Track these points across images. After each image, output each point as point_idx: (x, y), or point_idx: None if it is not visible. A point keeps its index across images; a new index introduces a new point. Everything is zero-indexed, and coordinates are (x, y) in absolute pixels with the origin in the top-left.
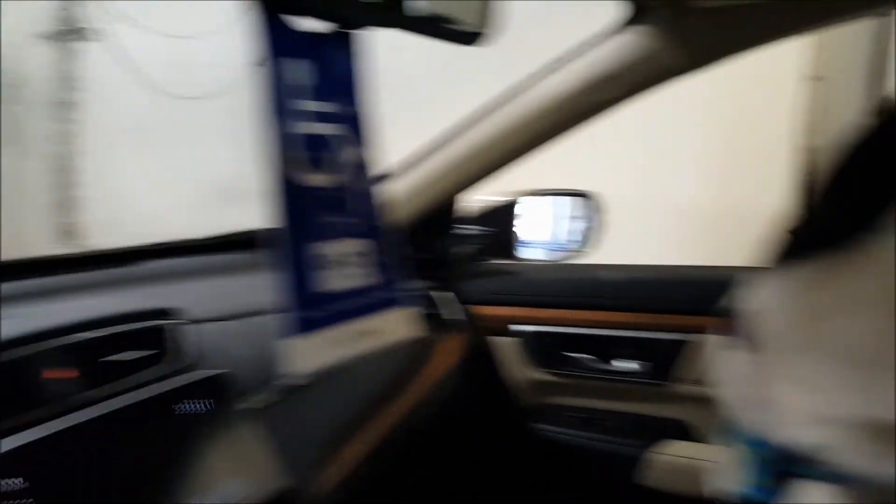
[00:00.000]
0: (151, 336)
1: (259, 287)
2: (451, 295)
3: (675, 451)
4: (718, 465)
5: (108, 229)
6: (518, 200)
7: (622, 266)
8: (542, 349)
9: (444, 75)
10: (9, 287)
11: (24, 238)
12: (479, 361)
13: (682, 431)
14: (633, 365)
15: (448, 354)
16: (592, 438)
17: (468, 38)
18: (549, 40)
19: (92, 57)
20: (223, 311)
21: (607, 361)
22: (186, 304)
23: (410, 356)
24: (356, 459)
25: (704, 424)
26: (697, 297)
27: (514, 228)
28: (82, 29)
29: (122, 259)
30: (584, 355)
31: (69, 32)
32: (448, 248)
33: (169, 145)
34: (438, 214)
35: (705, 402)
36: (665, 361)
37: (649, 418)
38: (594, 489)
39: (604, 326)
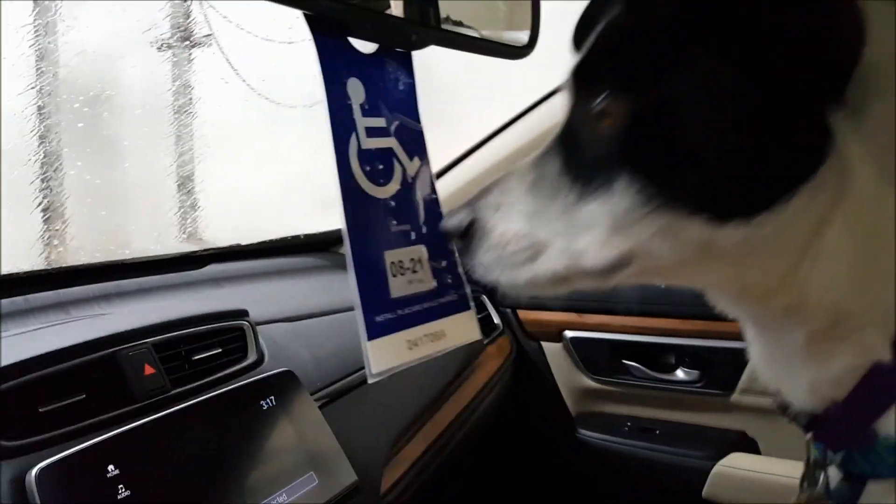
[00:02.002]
0: (232, 335)
1: (325, 288)
2: (495, 298)
3: (736, 464)
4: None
5: (219, 233)
6: None
7: None
8: (594, 356)
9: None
10: (100, 287)
11: (148, 239)
12: (527, 367)
13: (745, 443)
14: (691, 374)
15: (496, 359)
16: (646, 448)
17: (516, 52)
18: None
19: (200, 63)
20: (292, 312)
21: (663, 370)
22: (258, 305)
23: (462, 358)
24: (416, 458)
25: (769, 436)
26: None
27: None
28: (191, 35)
29: (199, 262)
30: (638, 364)
31: (178, 38)
32: None
33: (272, 152)
34: None
35: (770, 414)
36: (726, 371)
37: (709, 429)
38: (646, 499)
39: (660, 334)
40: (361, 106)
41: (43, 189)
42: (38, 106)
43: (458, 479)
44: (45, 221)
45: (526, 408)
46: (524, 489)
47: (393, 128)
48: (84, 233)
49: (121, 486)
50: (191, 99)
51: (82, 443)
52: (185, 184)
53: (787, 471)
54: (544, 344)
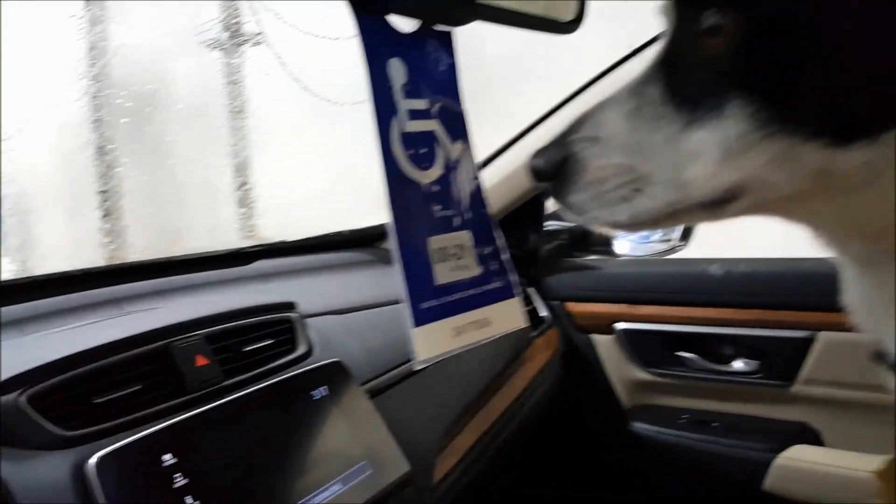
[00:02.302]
0: (280, 327)
1: (370, 282)
2: (542, 291)
3: (799, 456)
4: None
5: (270, 229)
6: None
7: (735, 260)
8: (647, 348)
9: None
10: (153, 283)
11: (213, 237)
12: (577, 360)
13: (807, 435)
14: (749, 364)
15: (545, 352)
16: (702, 441)
17: (563, 27)
18: (633, 26)
19: (251, 61)
20: (339, 305)
21: (720, 361)
22: (306, 299)
23: (510, 351)
24: (467, 450)
25: (833, 428)
26: (822, 291)
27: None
28: (243, 33)
29: (247, 258)
30: (693, 355)
31: (231, 37)
32: (537, 243)
33: (321, 148)
34: (525, 209)
35: (834, 405)
36: (786, 361)
37: (769, 421)
38: (702, 493)
39: (716, 324)
40: (403, 87)
41: (100, 191)
42: (95, 105)
43: (509, 471)
44: (103, 220)
45: (577, 401)
46: (575, 483)
47: (435, 110)
48: (140, 231)
49: (177, 474)
50: (242, 97)
51: (138, 432)
52: (237, 180)
53: (854, 463)
54: (595, 336)
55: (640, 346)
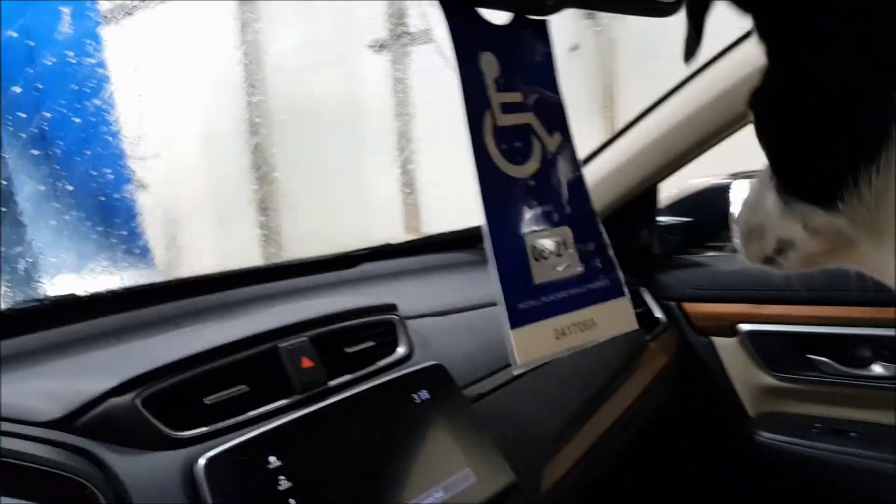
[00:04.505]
0: (381, 329)
1: (472, 284)
2: (656, 290)
3: None
4: None
5: (434, 229)
6: (732, 184)
7: None
8: (775, 351)
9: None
10: (261, 288)
11: (372, 234)
12: (696, 364)
13: None
14: (889, 369)
15: (660, 356)
16: (838, 452)
17: (662, 8)
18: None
19: (417, 61)
20: (440, 307)
21: (856, 365)
22: (407, 301)
23: (622, 355)
24: (577, 459)
25: None
26: None
27: (728, 216)
28: (410, 33)
29: (351, 261)
30: (826, 359)
31: (395, 37)
32: (649, 239)
33: None
34: (636, 203)
35: None
36: None
37: None
38: None
39: (851, 324)
40: (496, 81)
41: (258, 193)
42: (250, 112)
43: (622, 483)
44: (261, 227)
45: (696, 409)
46: (695, 497)
47: (531, 102)
48: (295, 233)
49: (281, 476)
50: (407, 98)
51: (245, 434)
52: (402, 179)
53: None
54: (715, 339)
55: (766, 349)
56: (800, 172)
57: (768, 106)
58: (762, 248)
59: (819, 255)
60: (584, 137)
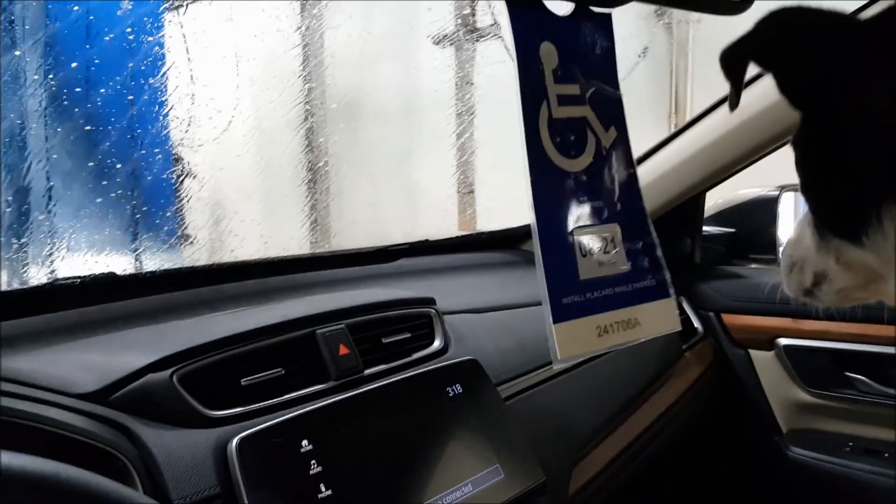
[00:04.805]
0: (418, 321)
1: (511, 284)
2: (696, 300)
3: None
4: None
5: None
6: (780, 195)
7: None
8: (812, 367)
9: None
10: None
11: (421, 231)
12: (731, 376)
13: None
14: None
15: (696, 366)
16: (871, 472)
17: (731, 7)
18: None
19: (482, 56)
20: (477, 304)
21: (894, 384)
22: (445, 296)
23: (658, 363)
24: (606, 464)
25: None
26: None
27: (775, 227)
28: (476, 28)
29: (390, 256)
30: (864, 377)
31: (462, 31)
32: (692, 248)
33: None
34: (681, 211)
35: None
36: None
37: None
38: None
39: (892, 343)
40: (554, 72)
41: (308, 186)
42: (306, 104)
43: (650, 491)
44: (311, 221)
45: (729, 421)
46: None
47: (588, 95)
48: (341, 225)
49: (313, 461)
50: (472, 94)
51: (279, 416)
52: (459, 177)
53: None
54: (752, 352)
55: (804, 365)
56: (830, 208)
57: (803, 147)
58: (802, 281)
59: (853, 288)
60: (652, 143)
